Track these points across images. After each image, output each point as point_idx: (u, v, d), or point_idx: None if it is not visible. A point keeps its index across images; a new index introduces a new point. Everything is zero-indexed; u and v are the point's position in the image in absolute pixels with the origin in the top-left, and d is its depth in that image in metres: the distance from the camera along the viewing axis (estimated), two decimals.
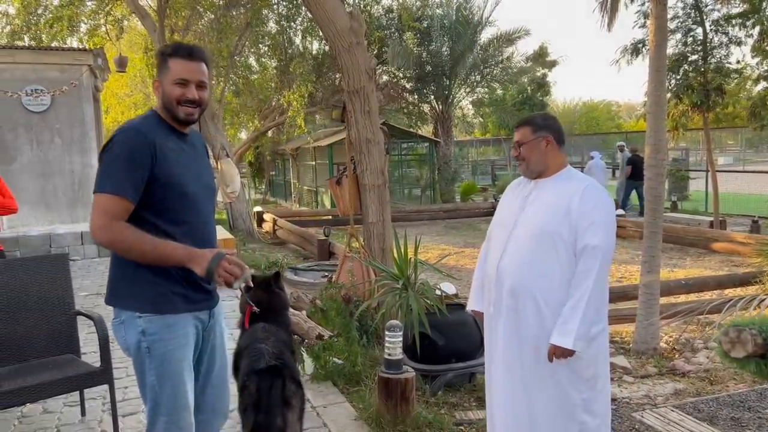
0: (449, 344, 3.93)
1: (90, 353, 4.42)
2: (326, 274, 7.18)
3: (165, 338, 2.07)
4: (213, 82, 14.65)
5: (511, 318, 2.54)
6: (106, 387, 3.35)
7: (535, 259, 2.48)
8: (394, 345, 3.39)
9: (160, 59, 2.13)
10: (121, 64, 12.89)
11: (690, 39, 11.30)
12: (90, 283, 7.90)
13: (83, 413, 3.70)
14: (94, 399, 3.92)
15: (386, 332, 3.40)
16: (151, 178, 2.00)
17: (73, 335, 3.50)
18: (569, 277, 2.44)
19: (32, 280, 3.39)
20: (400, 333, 3.40)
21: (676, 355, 4.82)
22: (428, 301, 3.97)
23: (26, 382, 3.02)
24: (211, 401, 2.33)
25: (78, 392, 3.61)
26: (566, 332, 2.36)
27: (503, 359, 2.59)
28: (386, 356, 3.42)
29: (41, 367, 3.23)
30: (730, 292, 6.46)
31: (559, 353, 2.39)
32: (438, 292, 4.20)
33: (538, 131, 2.59)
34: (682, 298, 6.30)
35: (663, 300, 5.30)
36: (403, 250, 4.27)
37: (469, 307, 2.94)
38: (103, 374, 3.26)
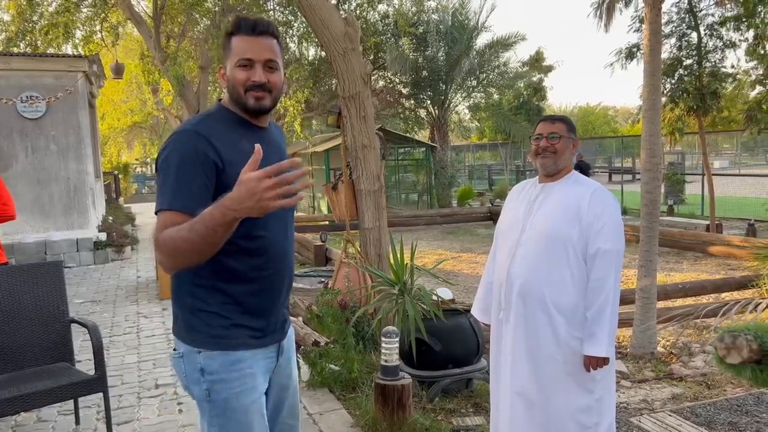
0: (446, 350, 3.92)
1: (84, 361, 4.39)
2: (323, 279, 7.16)
3: (227, 379, 1.73)
4: (210, 87, 14.68)
5: (521, 323, 2.53)
6: (100, 395, 3.33)
7: (545, 263, 2.47)
8: (390, 351, 3.37)
9: (225, 41, 1.78)
10: (118, 71, 12.90)
11: (684, 43, 11.36)
12: (85, 290, 7.87)
13: (77, 422, 3.67)
14: (89, 407, 3.89)
15: (382, 338, 3.39)
16: (219, 187, 1.61)
17: (68, 343, 3.48)
18: (579, 280, 2.44)
19: (27, 288, 3.37)
20: (397, 339, 3.39)
21: (674, 360, 4.81)
22: (425, 307, 3.95)
23: (20, 391, 3.00)
24: None
25: (72, 400, 3.59)
26: (597, 341, 2.39)
27: (512, 364, 2.57)
28: (383, 362, 3.40)
29: (35, 376, 3.21)
30: (727, 296, 6.47)
31: (594, 363, 2.41)
32: (434, 298, 4.19)
33: (571, 132, 2.61)
34: (679, 302, 6.29)
35: (660, 304, 5.30)
36: (399, 256, 4.26)
37: (475, 314, 2.93)
38: (98, 382, 3.24)
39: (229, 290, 1.73)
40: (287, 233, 1.86)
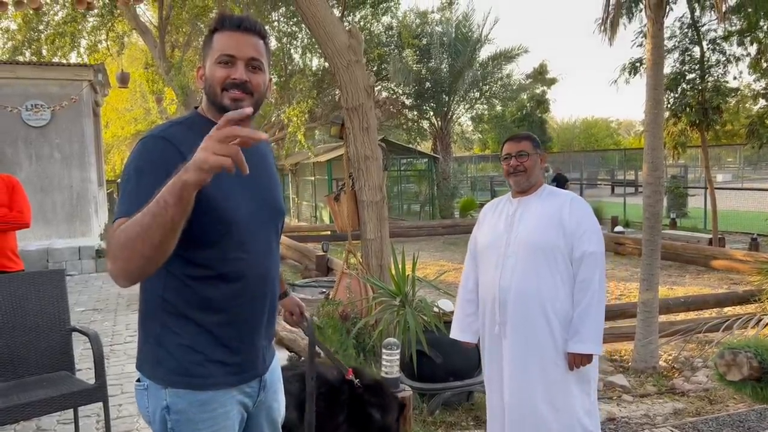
0: (447, 362, 3.91)
1: (85, 369, 4.38)
2: (324, 290, 7.16)
3: (196, 420, 1.53)
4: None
5: (519, 335, 2.58)
6: (100, 405, 3.32)
7: (537, 272, 2.56)
8: (391, 363, 3.36)
9: (206, 38, 1.59)
10: (123, 80, 12.97)
11: (687, 58, 11.39)
12: (87, 298, 7.87)
13: (77, 431, 3.66)
14: (89, 417, 3.88)
15: (383, 350, 3.37)
16: None
17: (68, 352, 3.47)
18: (569, 283, 2.55)
19: (28, 296, 3.37)
20: (398, 351, 3.37)
21: (676, 374, 4.79)
22: (426, 319, 3.95)
23: (20, 400, 2.99)
24: None
25: (72, 410, 3.58)
26: (582, 339, 2.48)
27: (515, 378, 2.60)
28: (383, 374, 3.39)
29: (35, 384, 3.20)
30: (729, 311, 6.44)
31: (578, 361, 2.49)
32: (436, 310, 4.18)
33: (537, 148, 2.73)
34: (682, 316, 6.27)
35: (662, 318, 5.28)
36: (401, 267, 4.26)
37: (454, 336, 2.95)
38: (98, 391, 3.23)
39: (202, 320, 1.52)
40: (271, 253, 1.64)
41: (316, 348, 2.08)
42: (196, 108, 1.63)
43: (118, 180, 23.97)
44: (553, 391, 2.53)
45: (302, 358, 2.70)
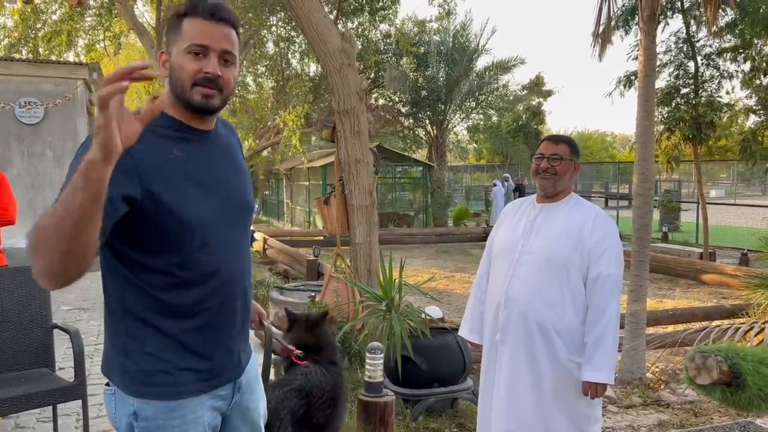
0: (432, 368, 3.88)
1: (68, 368, 4.34)
2: (312, 294, 7.13)
3: (165, 426, 1.46)
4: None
5: (520, 345, 2.47)
6: (79, 402, 3.28)
7: (545, 286, 2.43)
8: (374, 367, 3.34)
9: (173, 21, 1.46)
10: None
11: (682, 72, 11.47)
12: (74, 297, 7.81)
13: (55, 429, 3.61)
14: (68, 415, 3.84)
15: (367, 354, 3.36)
16: (136, 203, 1.34)
17: (49, 349, 3.43)
18: (580, 304, 2.42)
19: (9, 291, 3.33)
20: (381, 355, 3.36)
21: (662, 386, 4.78)
22: (412, 324, 3.93)
23: None
24: None
25: (51, 407, 3.54)
26: (598, 367, 2.34)
27: (508, 387, 2.51)
28: (366, 378, 3.37)
29: (14, 381, 3.16)
30: (717, 324, 6.44)
31: (594, 389, 2.36)
32: (423, 316, 4.16)
33: (574, 154, 2.56)
34: (670, 328, 6.27)
35: (650, 330, 5.27)
36: (388, 272, 4.24)
37: (462, 335, 2.88)
38: (77, 389, 3.19)
39: (168, 327, 1.44)
40: (239, 252, 1.55)
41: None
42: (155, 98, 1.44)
43: None
44: (543, 411, 2.45)
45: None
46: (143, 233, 1.37)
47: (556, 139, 2.59)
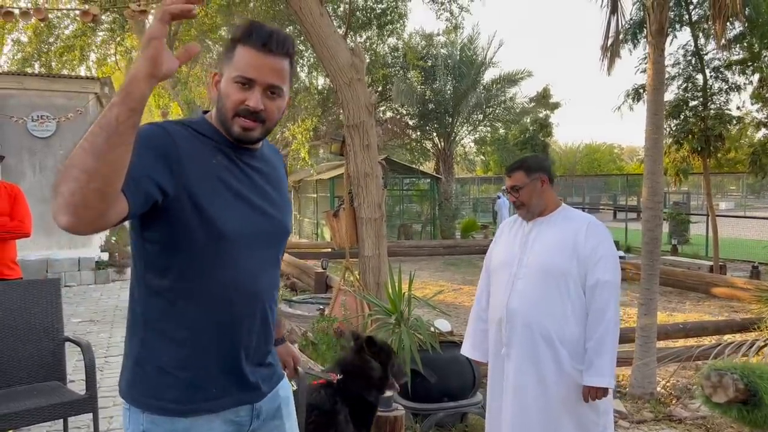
0: (442, 382, 3.87)
1: (78, 381, 4.36)
2: (320, 306, 7.13)
3: None
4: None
5: (526, 357, 2.51)
6: (90, 416, 3.29)
7: (546, 298, 2.49)
8: None
9: (229, 45, 1.44)
10: None
11: (690, 85, 11.46)
12: (84, 309, 7.85)
13: None
14: (79, 428, 3.85)
15: None
16: (168, 198, 1.31)
17: (60, 361, 3.45)
18: (580, 312, 2.47)
19: (22, 305, 3.36)
20: None
21: (674, 401, 4.73)
22: (421, 338, 3.92)
23: (9, 409, 2.97)
24: None
25: (62, 420, 3.55)
26: (597, 372, 2.39)
27: (515, 401, 2.54)
28: None
29: (25, 394, 3.18)
30: (729, 338, 6.38)
31: (594, 393, 2.40)
32: (432, 329, 4.15)
33: (532, 173, 2.62)
34: (681, 342, 6.22)
35: (661, 344, 5.23)
36: (397, 285, 4.24)
37: (465, 352, 2.90)
38: (88, 402, 3.20)
39: (182, 339, 1.41)
40: (265, 272, 1.50)
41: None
42: (206, 112, 1.50)
43: None
44: (552, 423, 2.47)
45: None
46: (173, 234, 1.35)
47: (510, 170, 2.69)
